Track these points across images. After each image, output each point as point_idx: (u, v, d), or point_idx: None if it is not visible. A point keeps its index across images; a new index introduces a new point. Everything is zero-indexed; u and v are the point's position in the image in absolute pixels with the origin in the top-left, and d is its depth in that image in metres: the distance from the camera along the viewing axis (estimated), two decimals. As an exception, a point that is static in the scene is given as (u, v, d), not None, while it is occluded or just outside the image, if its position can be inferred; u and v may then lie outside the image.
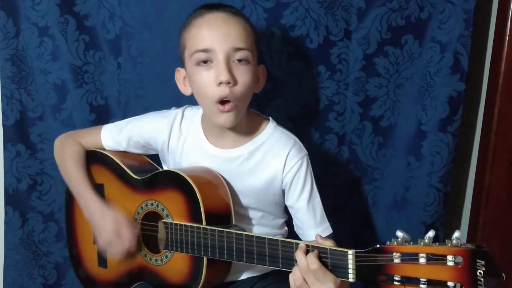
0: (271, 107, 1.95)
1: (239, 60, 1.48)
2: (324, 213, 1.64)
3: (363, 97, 2.00)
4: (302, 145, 1.64)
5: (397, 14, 1.91)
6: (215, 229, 1.45)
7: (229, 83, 1.45)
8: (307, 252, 1.28)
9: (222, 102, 1.47)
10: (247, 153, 1.60)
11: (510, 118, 2.01)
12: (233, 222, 1.56)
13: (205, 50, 1.46)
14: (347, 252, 1.23)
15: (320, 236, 1.36)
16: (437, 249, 1.11)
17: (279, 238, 1.36)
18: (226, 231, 1.44)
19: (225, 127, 1.54)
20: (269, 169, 1.60)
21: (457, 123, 1.99)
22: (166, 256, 1.58)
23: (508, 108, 2.00)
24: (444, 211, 2.08)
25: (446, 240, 1.11)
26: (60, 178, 1.80)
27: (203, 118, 1.65)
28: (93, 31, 1.95)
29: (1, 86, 1.96)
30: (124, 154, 1.75)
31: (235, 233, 1.43)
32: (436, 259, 1.11)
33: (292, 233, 1.69)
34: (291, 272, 1.31)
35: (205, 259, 1.49)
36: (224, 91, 1.45)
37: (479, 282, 1.07)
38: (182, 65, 1.58)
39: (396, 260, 1.15)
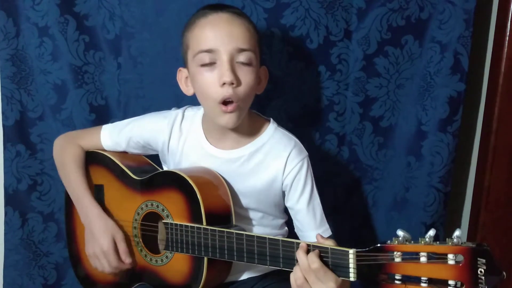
0: (271, 107, 1.95)
1: (243, 61, 1.47)
2: (323, 215, 1.64)
3: (363, 97, 1.99)
4: (302, 146, 1.64)
5: (397, 14, 1.91)
6: (215, 229, 1.45)
7: (232, 83, 1.45)
8: (308, 251, 1.28)
9: (225, 102, 1.47)
10: (247, 154, 1.60)
11: (510, 118, 2.01)
12: (233, 223, 1.56)
13: (209, 51, 1.45)
14: (348, 251, 1.23)
15: (321, 235, 1.36)
16: (438, 247, 1.11)
17: (280, 238, 1.36)
18: (226, 231, 1.44)
19: (227, 127, 1.54)
20: (270, 171, 1.60)
21: (457, 123, 1.98)
22: (167, 257, 1.58)
23: (508, 108, 2.00)
24: (444, 211, 2.08)
25: (447, 239, 1.11)
26: (60, 179, 1.79)
27: (203, 118, 1.65)
28: (93, 31, 1.95)
29: (1, 86, 1.96)
30: (123, 154, 1.75)
31: (236, 233, 1.42)
32: (437, 257, 1.11)
33: (292, 234, 1.69)
34: (292, 271, 1.31)
35: (205, 259, 1.48)
36: (227, 91, 1.45)
37: (480, 280, 1.07)
38: (184, 65, 1.58)
39: (397, 259, 1.15)
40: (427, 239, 1.12)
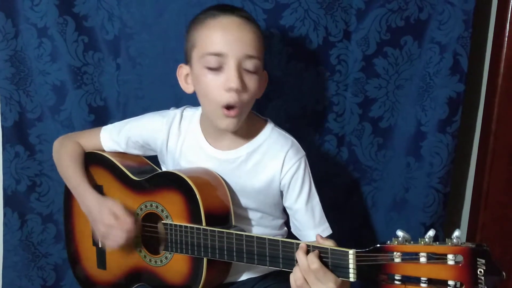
0: (270, 108, 1.95)
1: (249, 69, 1.47)
2: (323, 213, 1.63)
3: (362, 98, 1.99)
4: (299, 146, 1.64)
5: (397, 15, 1.91)
6: (215, 230, 1.45)
7: (238, 90, 1.45)
8: (307, 252, 1.28)
9: (228, 107, 1.47)
10: (245, 155, 1.60)
11: (509, 119, 2.01)
12: (233, 223, 1.56)
13: (217, 54, 1.44)
14: (347, 251, 1.23)
15: (321, 236, 1.35)
16: (438, 248, 1.11)
17: (280, 238, 1.36)
18: (226, 231, 1.44)
19: (227, 131, 1.55)
20: (268, 171, 1.60)
21: (457, 124, 1.98)
22: (166, 257, 1.58)
23: (507, 109, 2.00)
24: (444, 212, 2.08)
25: (446, 239, 1.11)
26: (59, 179, 1.79)
27: (202, 118, 1.65)
28: (92, 32, 1.95)
29: (0, 87, 1.96)
30: (123, 155, 1.75)
31: (235, 233, 1.42)
32: (436, 258, 1.11)
33: (291, 234, 1.69)
34: (291, 272, 1.31)
35: (205, 259, 1.49)
36: (232, 97, 1.45)
37: (479, 280, 1.07)
38: (186, 61, 1.57)
39: (397, 260, 1.15)
40: (426, 240, 1.13)
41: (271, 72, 1.82)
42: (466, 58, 1.93)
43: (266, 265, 1.38)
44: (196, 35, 1.50)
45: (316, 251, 1.27)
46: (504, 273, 1.06)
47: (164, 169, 1.75)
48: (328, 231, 1.63)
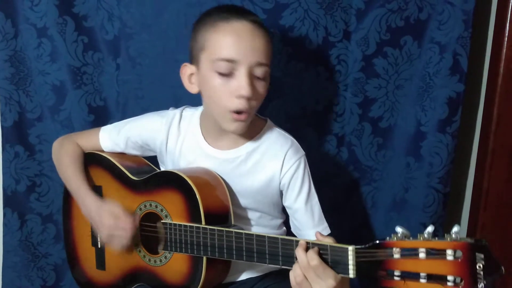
0: (270, 108, 1.95)
1: (259, 76, 1.47)
2: (322, 213, 1.64)
3: (362, 98, 1.99)
4: (299, 145, 1.64)
5: (396, 15, 1.91)
6: (214, 229, 1.45)
7: (249, 98, 1.45)
8: (307, 249, 1.28)
9: (237, 111, 1.47)
10: (244, 154, 1.60)
11: (509, 119, 2.01)
12: (232, 222, 1.56)
13: (229, 60, 1.44)
14: (347, 248, 1.23)
15: (320, 233, 1.35)
16: (437, 243, 1.11)
17: (279, 236, 1.36)
18: (225, 230, 1.44)
19: (235, 133, 1.55)
20: (267, 170, 1.60)
21: (456, 124, 1.98)
22: (165, 257, 1.57)
23: (507, 109, 2.00)
24: (444, 212, 2.07)
25: (445, 235, 1.11)
26: (59, 180, 1.79)
27: (201, 118, 1.65)
28: (92, 32, 1.95)
29: (0, 87, 1.96)
30: (122, 156, 1.75)
31: (235, 232, 1.42)
32: (435, 253, 1.11)
33: (290, 234, 1.69)
34: (291, 270, 1.31)
35: (204, 258, 1.48)
36: (242, 104, 1.45)
37: (478, 275, 1.07)
38: (191, 60, 1.56)
39: (396, 256, 1.15)
40: (425, 235, 1.13)
41: (271, 72, 1.81)
42: (466, 58, 1.93)
43: (266, 263, 1.38)
44: (206, 37, 1.48)
45: (316, 248, 1.27)
46: (503, 268, 1.06)
47: (163, 169, 1.74)
48: (327, 231, 1.62)
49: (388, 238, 1.18)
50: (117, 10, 1.90)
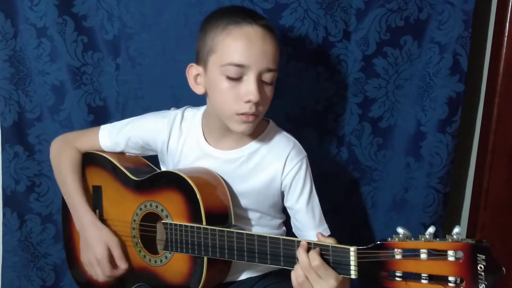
0: (270, 108, 1.93)
1: (267, 81, 1.48)
2: (322, 214, 1.64)
3: (362, 98, 1.99)
4: (301, 146, 1.64)
5: (396, 15, 1.91)
6: (215, 229, 1.45)
7: (257, 103, 1.45)
8: (308, 249, 1.29)
9: (246, 114, 1.47)
10: (246, 155, 1.60)
11: (509, 119, 2.01)
12: (232, 222, 1.56)
13: (239, 65, 1.43)
14: (349, 249, 1.23)
15: (322, 234, 1.36)
16: (438, 244, 1.11)
17: (280, 236, 1.36)
18: (226, 230, 1.44)
19: (244, 134, 1.55)
20: (269, 171, 1.60)
21: (456, 124, 1.98)
22: (166, 257, 1.57)
23: (507, 109, 2.00)
24: (444, 212, 2.07)
25: (447, 236, 1.12)
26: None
27: (203, 119, 1.65)
28: (92, 32, 1.95)
29: (-1, 87, 1.96)
30: (122, 156, 1.75)
31: (236, 232, 1.42)
32: (437, 254, 1.12)
33: (290, 233, 1.69)
34: (292, 270, 1.31)
35: (205, 259, 1.48)
36: (250, 109, 1.45)
37: (479, 276, 1.08)
38: (197, 61, 1.56)
39: (398, 256, 1.16)
40: (427, 236, 1.13)
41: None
42: (466, 58, 1.93)
43: (267, 263, 1.38)
44: (216, 40, 1.47)
45: (317, 249, 1.27)
46: (504, 269, 1.06)
47: (163, 169, 1.74)
48: (327, 232, 1.62)
49: (389, 239, 1.18)
50: (116, 10, 1.90)
